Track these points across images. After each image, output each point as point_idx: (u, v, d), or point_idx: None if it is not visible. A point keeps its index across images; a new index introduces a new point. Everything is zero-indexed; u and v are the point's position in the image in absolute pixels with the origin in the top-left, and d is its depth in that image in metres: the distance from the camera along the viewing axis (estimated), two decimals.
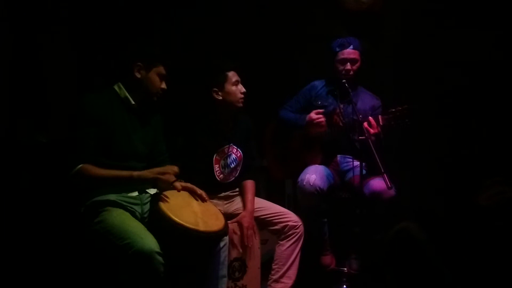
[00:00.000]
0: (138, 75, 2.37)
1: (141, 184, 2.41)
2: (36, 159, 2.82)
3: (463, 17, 3.62)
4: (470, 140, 3.60)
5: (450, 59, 3.64)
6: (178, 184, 2.43)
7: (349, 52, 3.22)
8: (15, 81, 3.04)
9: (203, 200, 2.51)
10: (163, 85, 2.44)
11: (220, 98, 2.86)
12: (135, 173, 2.32)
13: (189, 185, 2.49)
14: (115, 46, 3.12)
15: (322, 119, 3.17)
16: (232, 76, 2.85)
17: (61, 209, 2.67)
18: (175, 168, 2.39)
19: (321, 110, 3.22)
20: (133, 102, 2.40)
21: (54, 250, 2.63)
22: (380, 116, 3.06)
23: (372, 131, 2.95)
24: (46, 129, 3.03)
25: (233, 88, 2.85)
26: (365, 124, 2.97)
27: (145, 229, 2.20)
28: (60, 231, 2.64)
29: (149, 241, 2.12)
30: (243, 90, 2.88)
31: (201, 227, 2.29)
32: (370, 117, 3.02)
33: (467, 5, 3.61)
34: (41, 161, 2.82)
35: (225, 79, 2.84)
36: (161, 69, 2.42)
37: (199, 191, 2.51)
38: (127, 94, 2.39)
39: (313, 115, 3.20)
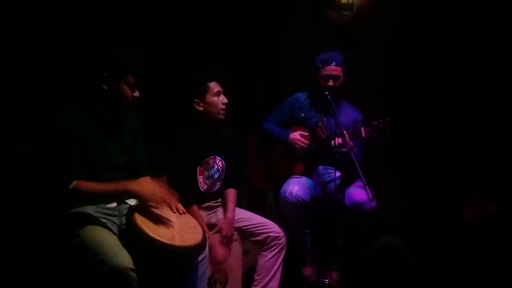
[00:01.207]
0: (106, 87, 2.27)
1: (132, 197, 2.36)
2: (16, 169, 2.77)
3: (447, 30, 3.68)
4: (453, 154, 3.64)
5: (435, 72, 3.70)
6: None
7: (332, 68, 3.23)
8: None
9: (180, 214, 2.45)
10: (136, 93, 2.33)
11: (202, 109, 2.85)
12: (131, 186, 2.26)
13: (166, 198, 2.39)
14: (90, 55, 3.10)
15: (305, 143, 3.21)
16: (214, 86, 2.84)
17: (41, 220, 2.63)
18: (175, 202, 2.38)
19: (306, 134, 3.25)
20: (108, 114, 2.34)
21: (33, 260, 2.58)
22: (362, 129, 3.08)
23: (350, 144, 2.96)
24: (27, 139, 2.98)
25: (215, 98, 2.84)
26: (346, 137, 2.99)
27: (120, 244, 2.16)
28: (40, 242, 2.59)
29: (123, 257, 2.08)
30: (225, 101, 2.86)
31: (177, 242, 2.23)
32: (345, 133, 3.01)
33: (451, 17, 3.67)
34: (21, 171, 2.77)
35: (206, 89, 2.83)
36: (130, 78, 2.29)
37: (175, 205, 2.43)
38: (100, 108, 2.32)
39: (297, 137, 3.23)
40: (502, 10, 3.51)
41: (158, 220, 2.30)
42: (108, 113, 2.34)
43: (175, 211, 2.40)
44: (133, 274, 2.07)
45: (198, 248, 2.34)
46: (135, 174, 2.43)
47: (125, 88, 2.28)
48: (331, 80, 3.23)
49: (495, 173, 3.25)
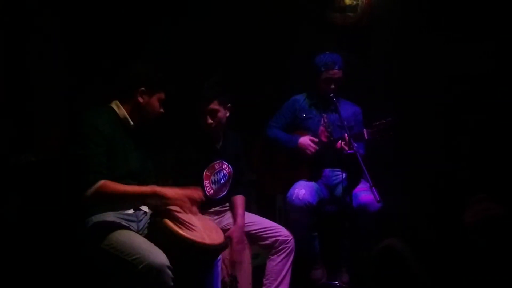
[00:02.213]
0: (141, 100, 2.40)
1: (160, 201, 2.37)
2: (25, 178, 2.81)
3: (451, 30, 3.67)
4: (456, 157, 3.62)
5: (439, 72, 3.69)
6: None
7: (335, 72, 3.25)
8: (3, 99, 3.03)
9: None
10: (162, 109, 2.48)
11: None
12: (158, 188, 2.30)
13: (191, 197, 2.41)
14: (105, 65, 3.14)
15: (314, 148, 3.22)
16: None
17: (54, 228, 2.66)
18: (199, 194, 2.39)
19: (316, 140, 3.25)
20: (132, 123, 2.42)
21: (49, 271, 2.62)
22: (365, 130, 3.11)
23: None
24: (35, 148, 3.03)
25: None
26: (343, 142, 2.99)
27: (152, 244, 2.20)
28: (55, 251, 2.62)
29: (159, 255, 2.12)
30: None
31: (207, 241, 2.30)
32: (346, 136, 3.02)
33: (455, 17, 3.66)
34: (30, 180, 2.81)
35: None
36: (162, 95, 2.46)
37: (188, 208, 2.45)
38: (126, 115, 2.41)
39: (308, 141, 3.24)
40: (504, 10, 3.49)
41: (184, 222, 2.34)
42: (135, 124, 2.43)
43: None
44: (169, 272, 2.11)
45: (224, 246, 2.44)
46: (140, 182, 2.46)
47: (157, 103, 2.45)
48: (333, 84, 3.24)
49: (498, 175, 3.23)
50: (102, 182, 2.20)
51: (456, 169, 3.54)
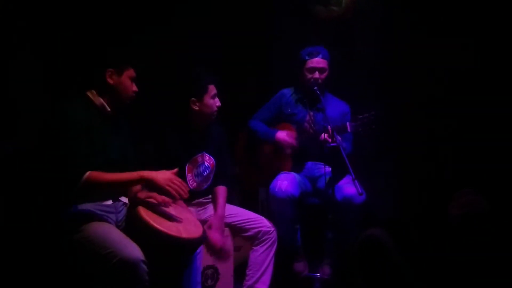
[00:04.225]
0: (111, 81, 2.37)
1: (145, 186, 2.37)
2: (3, 168, 2.76)
3: (435, 25, 3.70)
4: (442, 151, 3.66)
5: (423, 66, 3.71)
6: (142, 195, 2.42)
7: (318, 61, 3.27)
8: None
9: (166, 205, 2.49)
10: (134, 88, 2.45)
11: (197, 109, 2.87)
12: (144, 173, 2.29)
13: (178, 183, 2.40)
14: (82, 52, 3.09)
15: (292, 144, 3.23)
16: (212, 89, 2.88)
17: (29, 221, 2.62)
18: (186, 192, 2.36)
19: (293, 133, 3.26)
20: (108, 109, 2.39)
21: (27, 262, 2.58)
22: (348, 123, 3.13)
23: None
24: (14, 138, 2.97)
25: (211, 101, 2.88)
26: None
27: (127, 237, 2.18)
28: (31, 243, 2.58)
29: (134, 250, 2.10)
30: (219, 104, 2.90)
31: (183, 234, 2.28)
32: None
33: (439, 12, 3.69)
34: (6, 171, 2.76)
35: (205, 91, 2.86)
36: (132, 72, 2.43)
37: (160, 198, 2.46)
38: (103, 101, 2.38)
39: (284, 137, 3.25)
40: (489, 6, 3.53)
41: (161, 213, 2.34)
42: (111, 109, 2.40)
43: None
44: (144, 266, 2.09)
45: (202, 239, 2.41)
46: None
47: (128, 82, 2.41)
48: (317, 72, 3.26)
49: (484, 170, 3.27)
50: (88, 173, 2.18)
51: (440, 163, 3.58)
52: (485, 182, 3.05)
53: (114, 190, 2.35)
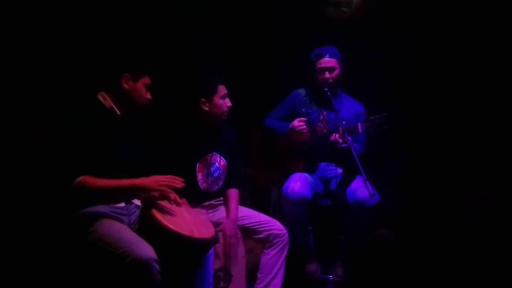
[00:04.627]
0: (126, 86, 2.37)
1: (143, 194, 2.35)
2: (14, 171, 2.78)
3: (446, 26, 3.68)
4: (454, 148, 3.63)
5: (433, 67, 3.69)
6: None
7: (326, 61, 3.26)
8: None
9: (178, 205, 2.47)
10: (149, 95, 2.45)
11: (207, 109, 2.87)
12: (137, 181, 2.28)
13: (168, 181, 2.38)
14: (98, 55, 3.11)
15: (303, 126, 3.19)
16: (222, 89, 2.88)
17: (42, 221, 2.64)
18: (179, 182, 2.34)
19: (304, 119, 3.24)
20: (118, 113, 2.40)
21: (39, 263, 2.59)
22: (359, 124, 3.12)
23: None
24: (27, 141, 3.00)
25: (221, 101, 2.87)
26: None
27: (140, 237, 2.19)
28: (42, 244, 2.60)
29: (147, 249, 2.11)
30: (229, 104, 2.90)
31: (196, 234, 2.29)
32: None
33: (448, 14, 3.66)
34: (19, 173, 2.78)
35: (215, 91, 2.86)
36: (147, 80, 2.43)
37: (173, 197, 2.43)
38: (113, 105, 2.38)
39: (295, 123, 3.22)
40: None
41: (174, 215, 2.34)
42: (122, 113, 2.40)
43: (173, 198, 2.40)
44: (157, 266, 2.09)
45: (213, 240, 2.42)
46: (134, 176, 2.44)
47: (143, 89, 2.42)
48: (326, 72, 3.25)
49: (495, 167, 3.24)
50: (80, 178, 2.18)
51: (452, 161, 3.55)
52: (496, 182, 3.01)
53: (108, 197, 2.32)
